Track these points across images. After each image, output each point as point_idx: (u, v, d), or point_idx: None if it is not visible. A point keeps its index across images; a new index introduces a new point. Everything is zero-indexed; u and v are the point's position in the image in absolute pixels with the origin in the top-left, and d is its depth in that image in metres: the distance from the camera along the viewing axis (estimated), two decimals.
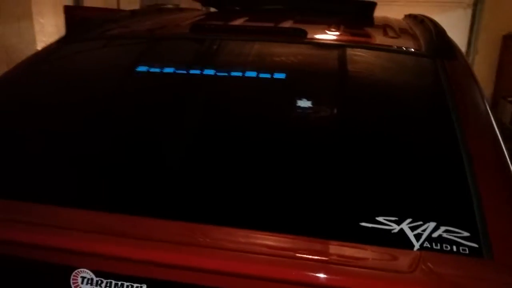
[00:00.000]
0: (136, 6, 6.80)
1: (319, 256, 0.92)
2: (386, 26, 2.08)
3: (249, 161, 1.25)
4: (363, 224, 1.03)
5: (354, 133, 1.30)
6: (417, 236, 1.00)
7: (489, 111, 1.40)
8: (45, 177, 1.26)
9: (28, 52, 1.97)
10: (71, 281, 0.99)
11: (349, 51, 1.64)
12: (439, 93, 1.41)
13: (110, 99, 1.55)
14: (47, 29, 5.09)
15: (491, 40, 6.46)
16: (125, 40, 1.99)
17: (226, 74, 1.59)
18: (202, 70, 1.57)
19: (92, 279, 0.99)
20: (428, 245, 0.98)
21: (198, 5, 3.51)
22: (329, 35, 1.85)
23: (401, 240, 1.00)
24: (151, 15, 2.47)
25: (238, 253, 0.95)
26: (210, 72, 1.57)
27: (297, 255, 0.94)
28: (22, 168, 1.30)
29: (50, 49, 1.93)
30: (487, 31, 6.46)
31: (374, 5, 2.45)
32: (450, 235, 1.00)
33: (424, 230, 1.00)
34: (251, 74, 1.59)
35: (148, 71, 1.67)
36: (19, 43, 4.73)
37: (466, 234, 1.00)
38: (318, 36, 1.81)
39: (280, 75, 1.56)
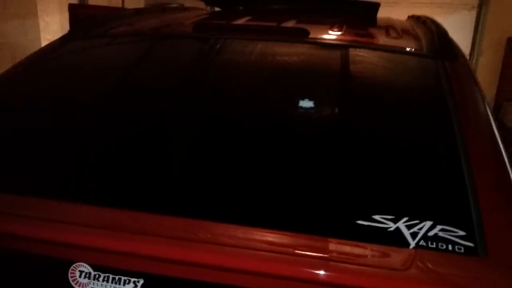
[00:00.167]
0: (140, 5, 6.82)
1: (315, 253, 0.93)
2: (388, 27, 2.09)
3: (249, 160, 1.26)
4: (360, 222, 1.03)
5: (352, 132, 1.31)
6: (413, 235, 1.00)
7: (489, 112, 1.41)
8: (45, 172, 1.28)
9: (33, 50, 1.98)
10: (69, 275, 1.00)
11: (351, 51, 1.64)
12: (439, 93, 1.41)
13: (113, 96, 1.56)
14: (52, 27, 5.12)
15: (495, 42, 6.43)
16: (127, 38, 2.00)
17: (227, 73, 1.61)
18: (204, 68, 1.57)
19: (90, 273, 1.00)
20: (424, 244, 0.99)
21: (202, 5, 3.51)
22: (331, 35, 1.86)
23: (397, 239, 1.00)
24: (155, 14, 2.49)
25: (235, 249, 0.96)
26: (212, 70, 1.58)
27: (294, 251, 0.95)
28: (23, 163, 1.32)
29: (53, 46, 1.94)
30: (491, 33, 6.44)
31: (377, 5, 2.45)
32: (446, 234, 1.00)
33: (420, 229, 1.01)
34: (253, 73, 1.60)
35: (150, 69, 1.69)
36: (24, 40, 4.75)
37: (462, 233, 1.00)
38: (320, 36, 1.82)
39: (281, 74, 1.57)
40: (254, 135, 1.35)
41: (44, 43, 4.76)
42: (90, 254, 1.00)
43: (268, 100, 1.48)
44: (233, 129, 1.38)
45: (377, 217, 1.04)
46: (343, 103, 1.42)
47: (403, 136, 1.31)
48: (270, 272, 0.92)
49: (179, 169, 1.26)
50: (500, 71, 6.52)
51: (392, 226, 1.02)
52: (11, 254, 1.05)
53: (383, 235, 1.01)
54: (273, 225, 1.03)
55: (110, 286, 0.99)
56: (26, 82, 1.69)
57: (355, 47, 1.69)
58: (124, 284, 0.98)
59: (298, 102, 1.41)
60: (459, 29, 6.33)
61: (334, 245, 0.96)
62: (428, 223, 1.02)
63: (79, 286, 1.00)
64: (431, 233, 1.00)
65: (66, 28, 5.02)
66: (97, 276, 0.99)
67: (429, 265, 0.91)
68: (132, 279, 0.99)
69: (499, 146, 1.25)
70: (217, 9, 3.02)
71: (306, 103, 1.38)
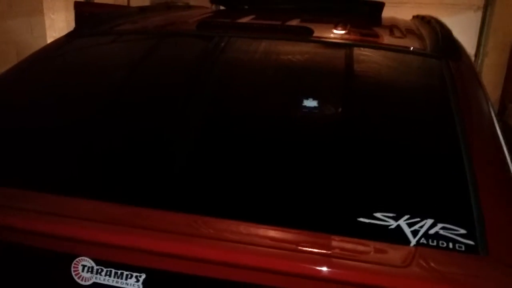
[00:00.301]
0: (146, 3, 6.83)
1: (317, 249, 0.94)
2: (392, 26, 2.09)
3: (253, 157, 1.27)
4: (361, 219, 1.04)
5: (355, 130, 1.31)
6: (414, 233, 1.01)
7: (492, 112, 1.41)
8: (49, 167, 1.28)
9: (38, 47, 1.99)
10: (72, 269, 1.01)
11: (354, 50, 1.64)
12: (442, 93, 1.42)
13: (118, 93, 1.57)
14: (58, 25, 5.14)
15: (500, 44, 6.41)
16: (132, 35, 2.00)
17: (232, 70, 1.61)
18: (209, 66, 1.58)
19: (92, 267, 1.01)
20: (425, 242, 0.99)
21: (207, 3, 3.52)
22: (336, 34, 1.86)
23: (398, 236, 1.01)
24: (160, 12, 2.49)
25: (237, 244, 0.96)
26: (217, 68, 1.59)
27: (296, 247, 0.95)
28: (27, 157, 1.33)
29: (58, 44, 1.96)
30: (497, 35, 6.41)
31: (382, 5, 2.46)
32: (447, 232, 1.00)
33: (421, 227, 1.01)
34: (257, 71, 1.60)
35: (154, 67, 1.70)
36: (30, 38, 4.77)
37: (462, 231, 1.01)
38: (324, 35, 1.82)
39: (285, 73, 1.58)
40: (258, 133, 1.36)
41: (49, 40, 4.78)
42: (93, 248, 1.01)
43: (271, 98, 1.48)
44: (237, 126, 1.38)
45: (378, 214, 1.04)
46: (345, 101, 1.42)
47: (405, 135, 1.31)
48: (272, 268, 0.93)
49: (182, 165, 1.27)
50: (505, 72, 6.49)
51: (393, 223, 1.02)
52: (14, 248, 1.06)
53: (384, 232, 1.01)
54: (276, 222, 1.04)
55: (113, 280, 1.00)
56: (31, 79, 1.70)
57: (359, 46, 1.69)
58: (126, 279, 0.99)
59: (300, 100, 1.41)
60: (464, 30, 6.31)
61: (335, 242, 0.97)
62: (429, 221, 1.02)
63: (81, 280, 1.01)
64: (432, 231, 1.01)
65: (72, 25, 5.03)
66: (99, 270, 1.00)
67: (430, 263, 0.91)
68: (134, 274, 0.99)
69: (501, 145, 1.26)
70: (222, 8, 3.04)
71: (308, 101, 1.39)
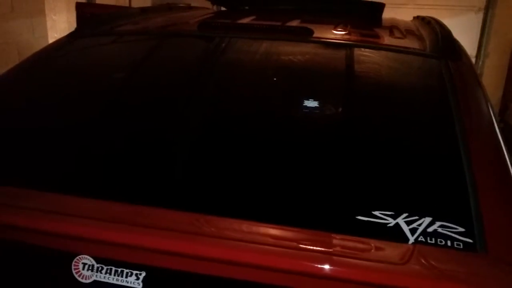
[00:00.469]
0: (147, 4, 6.84)
1: (317, 247, 0.94)
2: (393, 27, 2.09)
3: (254, 156, 1.27)
4: (360, 217, 1.04)
5: (355, 130, 1.32)
6: (412, 231, 1.01)
7: (491, 112, 1.41)
8: (50, 166, 1.29)
9: (40, 48, 2.00)
10: (73, 267, 1.02)
11: (354, 51, 1.65)
12: (442, 92, 1.42)
13: (119, 93, 1.58)
14: (59, 26, 5.14)
15: (501, 45, 6.41)
16: (134, 36, 2.01)
17: (232, 71, 1.62)
18: (210, 66, 1.59)
19: (93, 265, 1.01)
20: (423, 239, 1.00)
21: (208, 4, 3.53)
22: (335, 35, 1.87)
23: (396, 234, 1.01)
24: (161, 13, 2.50)
25: (238, 242, 0.97)
26: (217, 68, 1.60)
27: (295, 245, 0.96)
28: (28, 157, 1.33)
29: (59, 44, 1.97)
30: (498, 36, 6.41)
31: (382, 6, 2.46)
32: (445, 230, 1.01)
33: (419, 225, 1.02)
34: (258, 71, 1.61)
35: (155, 67, 1.70)
36: (31, 38, 4.77)
37: (461, 229, 1.01)
38: (325, 36, 1.83)
39: (286, 73, 1.58)
40: (258, 132, 1.37)
41: (51, 41, 4.78)
42: (93, 246, 1.01)
43: (272, 98, 1.49)
44: (238, 126, 1.39)
45: (377, 213, 1.05)
46: (345, 101, 1.43)
47: (404, 135, 1.32)
48: (273, 266, 0.93)
49: (183, 164, 1.27)
50: (507, 73, 6.49)
51: (391, 222, 1.03)
52: (15, 246, 1.07)
53: (383, 230, 1.02)
54: (275, 220, 1.04)
55: (113, 278, 1.00)
56: (32, 79, 1.71)
57: (358, 46, 1.70)
58: (126, 277, 1.00)
59: (300, 100, 1.42)
60: (465, 31, 6.31)
61: (335, 240, 0.97)
62: (427, 219, 1.03)
63: (82, 278, 1.01)
64: (430, 229, 1.01)
65: (73, 26, 5.02)
66: (100, 268, 1.01)
67: (428, 261, 0.92)
68: (135, 272, 1.00)
69: (500, 144, 1.26)
70: (223, 9, 3.04)
71: (308, 101, 1.40)
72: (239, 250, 0.95)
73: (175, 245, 0.97)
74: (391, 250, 0.95)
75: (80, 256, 1.01)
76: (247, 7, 2.80)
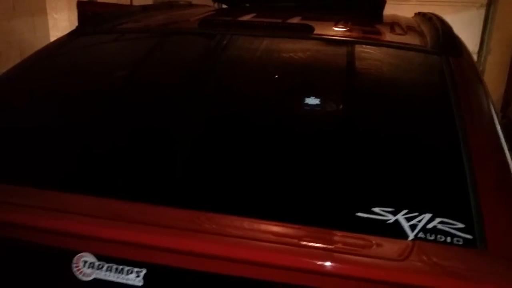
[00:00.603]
0: (148, 2, 6.84)
1: (317, 244, 0.95)
2: (394, 24, 2.09)
3: (254, 154, 1.27)
4: (360, 214, 1.04)
5: (355, 126, 1.32)
6: (412, 227, 1.01)
7: (492, 108, 1.41)
8: (50, 164, 1.30)
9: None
10: (73, 265, 1.02)
11: (355, 47, 1.65)
12: (442, 88, 1.42)
13: (120, 90, 1.58)
14: (61, 24, 5.14)
15: (503, 41, 6.39)
16: (135, 34, 2.02)
17: (233, 68, 1.62)
18: (211, 64, 1.59)
19: (94, 263, 1.01)
20: (423, 236, 1.00)
21: (209, 2, 3.53)
22: (336, 32, 1.87)
23: (396, 231, 1.01)
24: (162, 10, 2.50)
25: (236, 239, 0.97)
26: (218, 66, 1.60)
27: (294, 242, 0.96)
28: (29, 155, 1.34)
29: (61, 42, 1.97)
30: (500, 32, 6.39)
31: (383, 2, 2.46)
32: (445, 226, 1.01)
33: (419, 221, 1.02)
34: (259, 69, 1.61)
35: (156, 65, 1.71)
36: (33, 38, 4.78)
37: (461, 225, 1.01)
38: (326, 33, 1.83)
39: (287, 70, 1.58)
40: (259, 129, 1.37)
41: (52, 40, 4.78)
42: (94, 244, 1.02)
43: (273, 95, 1.49)
44: (239, 123, 1.39)
45: (376, 209, 1.05)
46: (345, 98, 1.43)
47: (405, 131, 1.32)
48: (273, 263, 0.93)
49: (184, 162, 1.27)
50: (509, 69, 6.48)
51: (391, 218, 1.03)
52: (15, 244, 1.07)
53: (383, 227, 1.02)
54: (275, 217, 1.04)
55: (114, 275, 1.00)
56: (34, 77, 1.72)
57: (359, 43, 1.70)
58: (127, 274, 1.00)
59: (300, 97, 1.42)
60: (467, 27, 6.30)
61: (335, 237, 0.97)
62: (427, 216, 1.03)
63: (83, 275, 1.02)
64: (430, 226, 1.01)
65: (74, 25, 5.02)
66: (100, 265, 1.01)
67: (427, 256, 0.92)
68: (135, 269, 1.00)
69: (500, 141, 1.26)
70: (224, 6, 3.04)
71: (308, 97, 1.40)
72: (240, 247, 0.96)
73: (175, 243, 0.97)
74: (391, 247, 0.96)
75: (80, 253, 1.02)
76: (248, 5, 2.80)
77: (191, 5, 3.03)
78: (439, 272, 0.90)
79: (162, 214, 1.05)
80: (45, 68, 1.77)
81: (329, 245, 0.94)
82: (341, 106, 1.40)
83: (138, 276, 1.00)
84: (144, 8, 2.49)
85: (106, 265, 1.01)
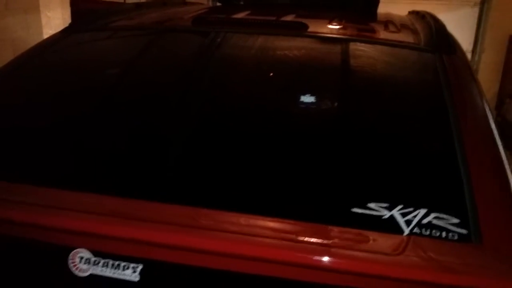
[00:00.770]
0: (142, 0, 6.82)
1: (313, 240, 0.95)
2: (387, 22, 2.10)
3: (250, 151, 1.28)
4: (355, 210, 1.05)
5: (350, 124, 1.32)
6: (407, 222, 1.02)
7: (485, 105, 1.42)
8: (45, 161, 1.29)
9: None
10: (70, 261, 1.02)
11: (348, 45, 1.65)
12: (436, 86, 1.43)
13: (114, 88, 1.58)
14: (54, 22, 5.12)
15: (497, 39, 6.41)
16: (128, 31, 2.01)
17: (227, 66, 1.62)
18: (205, 61, 1.59)
19: (90, 258, 1.01)
20: (418, 231, 1.00)
21: None
22: (330, 29, 1.87)
23: (391, 226, 1.02)
24: (156, 8, 2.50)
25: (232, 235, 0.98)
26: (212, 63, 1.60)
27: (290, 237, 0.96)
28: (23, 152, 1.33)
29: (54, 39, 1.96)
30: (494, 30, 6.42)
31: (377, 1, 2.47)
32: (440, 221, 1.02)
33: (414, 216, 1.03)
34: (253, 66, 1.61)
35: (150, 62, 1.70)
36: (26, 35, 4.76)
37: (455, 220, 1.02)
38: (319, 30, 1.83)
39: (280, 68, 1.59)
40: (254, 126, 1.37)
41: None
42: (90, 240, 1.02)
43: (267, 92, 1.49)
44: (234, 120, 1.39)
45: (372, 205, 1.05)
46: (339, 95, 1.43)
47: (399, 128, 1.33)
48: (271, 258, 0.94)
49: (180, 158, 1.27)
50: (503, 68, 6.51)
51: (387, 214, 1.04)
52: (12, 240, 1.07)
53: (378, 222, 1.02)
54: (271, 213, 1.05)
55: (110, 271, 1.01)
56: (27, 74, 1.71)
57: (353, 41, 1.70)
58: (123, 270, 1.00)
59: (295, 94, 1.43)
60: (461, 26, 6.33)
61: (330, 232, 0.98)
62: (422, 211, 1.03)
63: (79, 271, 1.02)
64: (425, 221, 1.02)
65: (68, 22, 5.01)
66: (96, 261, 1.01)
67: (422, 251, 0.93)
68: (131, 265, 1.00)
69: (494, 137, 1.27)
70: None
71: (303, 95, 1.40)
72: (236, 243, 0.96)
73: (172, 238, 0.98)
74: (386, 242, 0.96)
75: (77, 249, 1.02)
76: (242, 2, 2.80)
77: (184, 3, 3.03)
78: (434, 267, 0.90)
79: (158, 210, 1.05)
80: (38, 65, 1.76)
81: (326, 240, 0.95)
82: (336, 104, 1.41)
83: (134, 272, 1.00)
84: (138, 5, 2.48)
85: (102, 261, 1.01)
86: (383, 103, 1.40)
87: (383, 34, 1.87)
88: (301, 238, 0.96)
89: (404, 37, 1.84)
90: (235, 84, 1.55)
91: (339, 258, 0.91)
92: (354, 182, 1.15)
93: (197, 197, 1.14)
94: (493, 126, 1.32)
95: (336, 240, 0.94)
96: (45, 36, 4.86)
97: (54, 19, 5.12)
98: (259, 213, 1.04)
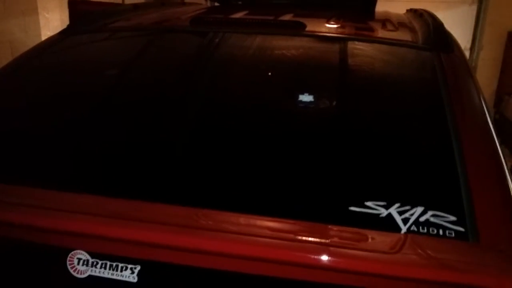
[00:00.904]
0: (140, 0, 6.82)
1: (311, 239, 0.95)
2: (385, 20, 2.10)
3: (248, 152, 1.28)
4: (353, 208, 1.05)
5: (347, 123, 1.33)
6: (405, 220, 1.02)
7: (483, 103, 1.42)
8: (42, 162, 1.29)
9: None
10: (68, 263, 1.02)
11: (347, 44, 1.66)
12: (433, 84, 1.43)
13: (113, 89, 1.58)
14: (52, 24, 5.13)
15: (496, 37, 6.43)
16: (126, 32, 2.01)
17: (225, 66, 1.62)
18: (203, 61, 1.59)
19: (87, 260, 1.01)
20: (415, 229, 1.00)
21: (201, 0, 3.53)
22: (328, 28, 1.87)
23: (389, 224, 1.02)
24: (154, 9, 2.50)
25: (231, 235, 0.98)
26: (211, 63, 1.60)
27: (288, 236, 0.96)
28: (21, 154, 1.33)
29: (52, 41, 1.96)
30: (492, 28, 6.43)
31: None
32: (437, 219, 1.02)
33: (411, 215, 1.03)
34: (250, 66, 1.61)
35: (149, 63, 1.70)
36: (25, 37, 4.76)
37: (452, 218, 1.02)
38: (317, 29, 1.83)
39: (279, 67, 1.59)
40: (253, 126, 1.37)
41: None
42: (87, 241, 1.02)
43: (265, 91, 1.50)
44: (233, 120, 1.39)
45: (369, 203, 1.05)
46: (337, 94, 1.44)
47: (397, 126, 1.33)
48: (270, 258, 0.94)
49: (178, 158, 1.27)
50: (501, 65, 6.52)
51: (384, 212, 1.04)
52: (10, 242, 1.07)
53: (376, 221, 1.03)
54: (269, 212, 1.05)
55: (108, 273, 1.00)
56: (25, 76, 1.71)
57: (351, 39, 1.70)
58: (121, 271, 1.00)
59: (293, 93, 1.43)
60: (460, 24, 6.34)
61: (328, 231, 0.98)
62: (419, 209, 1.03)
63: (77, 273, 1.02)
64: (422, 219, 1.02)
65: (66, 24, 5.01)
66: (94, 263, 1.01)
67: (420, 249, 0.93)
68: (130, 266, 1.00)
69: (492, 135, 1.27)
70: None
71: (303, 94, 1.40)
72: (235, 243, 0.96)
73: (170, 239, 0.97)
74: (383, 240, 0.96)
75: (74, 251, 1.02)
76: (240, 2, 2.80)
77: (183, 3, 3.03)
78: (431, 264, 0.90)
79: (155, 210, 1.05)
80: (37, 67, 1.76)
81: (323, 239, 0.95)
82: (333, 102, 1.41)
83: (132, 273, 1.00)
84: (136, 6, 2.48)
85: (100, 262, 1.01)
86: (381, 101, 1.41)
87: (381, 33, 1.87)
88: (299, 237, 0.96)
89: (402, 35, 1.84)
90: (233, 84, 1.55)
91: (338, 257, 0.91)
92: (351, 180, 1.15)
93: (195, 197, 1.14)
94: (490, 124, 1.32)
95: (334, 239, 0.94)
96: (44, 37, 4.86)
97: (53, 21, 5.13)
98: (258, 213, 1.04)
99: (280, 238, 0.96)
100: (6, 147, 1.36)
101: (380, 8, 2.51)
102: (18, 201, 1.08)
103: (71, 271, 1.02)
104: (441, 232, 1.00)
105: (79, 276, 1.01)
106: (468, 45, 6.63)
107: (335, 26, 1.90)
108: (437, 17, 1.99)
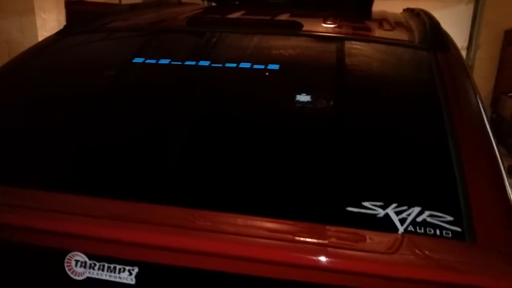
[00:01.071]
0: (137, 1, 6.81)
1: (309, 239, 0.95)
2: (382, 20, 2.10)
3: (245, 153, 1.28)
4: (350, 209, 1.05)
5: (344, 122, 1.33)
6: (402, 220, 1.02)
7: (480, 103, 1.43)
8: (39, 164, 1.29)
9: None
10: (65, 264, 1.02)
11: (343, 43, 1.66)
12: (430, 84, 1.43)
13: (110, 90, 1.57)
14: (49, 24, 5.12)
15: (492, 36, 6.44)
16: (123, 32, 2.01)
17: (222, 66, 1.62)
18: (199, 62, 1.59)
19: (85, 262, 1.01)
20: (412, 229, 1.00)
21: (198, 0, 3.53)
22: (325, 28, 1.87)
23: (386, 224, 1.02)
24: (151, 9, 2.50)
25: (228, 236, 0.98)
26: (207, 64, 1.60)
27: (285, 237, 0.96)
28: (18, 155, 1.33)
29: (49, 41, 1.96)
30: (489, 27, 6.44)
31: None
32: (434, 219, 1.02)
33: (408, 215, 1.03)
34: (246, 66, 1.61)
35: (145, 63, 1.70)
36: (21, 37, 4.75)
37: (449, 218, 1.02)
38: (314, 29, 1.83)
39: (274, 66, 1.58)
40: (250, 126, 1.37)
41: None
42: (85, 243, 1.01)
43: (263, 92, 1.50)
44: (230, 121, 1.39)
45: (366, 204, 1.05)
46: (334, 95, 1.44)
47: (393, 126, 1.33)
48: (268, 259, 0.94)
49: (175, 160, 1.27)
50: (498, 65, 6.53)
51: (381, 212, 1.04)
52: (7, 244, 1.07)
53: (373, 221, 1.03)
54: (267, 213, 1.05)
55: (105, 274, 1.00)
56: (22, 76, 1.71)
57: (348, 39, 1.71)
58: (119, 273, 1.00)
59: (290, 93, 1.43)
60: (457, 23, 6.35)
61: (325, 232, 0.98)
62: (416, 209, 1.04)
63: (75, 275, 1.01)
64: (419, 219, 1.02)
65: (63, 24, 5.00)
66: (92, 265, 1.01)
67: (417, 249, 0.93)
68: (127, 268, 1.00)
69: (488, 135, 1.27)
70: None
71: (300, 94, 1.40)
72: (233, 244, 0.96)
73: (168, 240, 0.97)
74: (380, 240, 0.96)
75: (72, 253, 1.02)
76: (237, 2, 2.80)
77: (180, 3, 3.02)
78: (428, 265, 0.90)
79: (154, 212, 1.05)
80: (34, 67, 1.76)
81: (322, 239, 0.95)
82: (330, 103, 1.41)
83: (130, 275, 1.00)
84: (133, 6, 2.48)
85: (98, 264, 1.01)
86: (378, 101, 1.41)
87: (377, 32, 1.88)
88: (296, 238, 0.96)
89: (398, 35, 1.84)
90: (230, 84, 1.55)
91: (335, 258, 0.91)
92: (349, 181, 1.15)
93: (192, 199, 1.14)
94: (487, 123, 1.33)
95: (331, 240, 0.95)
96: (40, 38, 4.86)
97: (49, 21, 5.12)
98: (255, 214, 1.04)
99: (277, 239, 0.96)
100: (3, 149, 1.36)
101: (377, 7, 2.51)
102: (15, 203, 1.08)
103: (69, 273, 1.02)
104: (438, 232, 1.00)
105: (77, 278, 1.01)
106: (465, 44, 6.64)
107: (332, 25, 1.90)
108: (433, 17, 1.99)
